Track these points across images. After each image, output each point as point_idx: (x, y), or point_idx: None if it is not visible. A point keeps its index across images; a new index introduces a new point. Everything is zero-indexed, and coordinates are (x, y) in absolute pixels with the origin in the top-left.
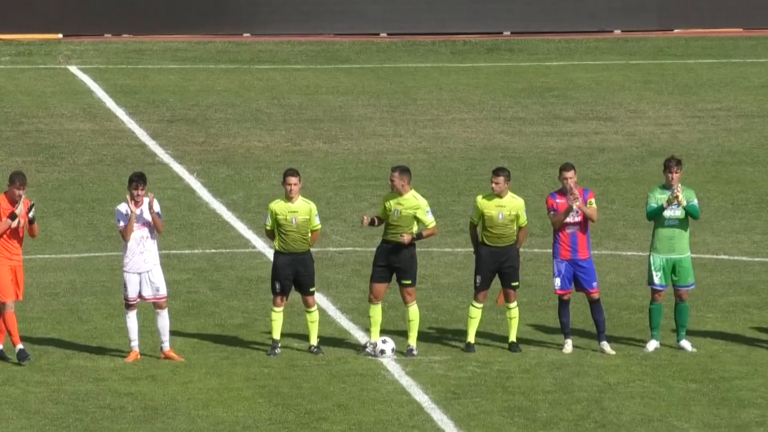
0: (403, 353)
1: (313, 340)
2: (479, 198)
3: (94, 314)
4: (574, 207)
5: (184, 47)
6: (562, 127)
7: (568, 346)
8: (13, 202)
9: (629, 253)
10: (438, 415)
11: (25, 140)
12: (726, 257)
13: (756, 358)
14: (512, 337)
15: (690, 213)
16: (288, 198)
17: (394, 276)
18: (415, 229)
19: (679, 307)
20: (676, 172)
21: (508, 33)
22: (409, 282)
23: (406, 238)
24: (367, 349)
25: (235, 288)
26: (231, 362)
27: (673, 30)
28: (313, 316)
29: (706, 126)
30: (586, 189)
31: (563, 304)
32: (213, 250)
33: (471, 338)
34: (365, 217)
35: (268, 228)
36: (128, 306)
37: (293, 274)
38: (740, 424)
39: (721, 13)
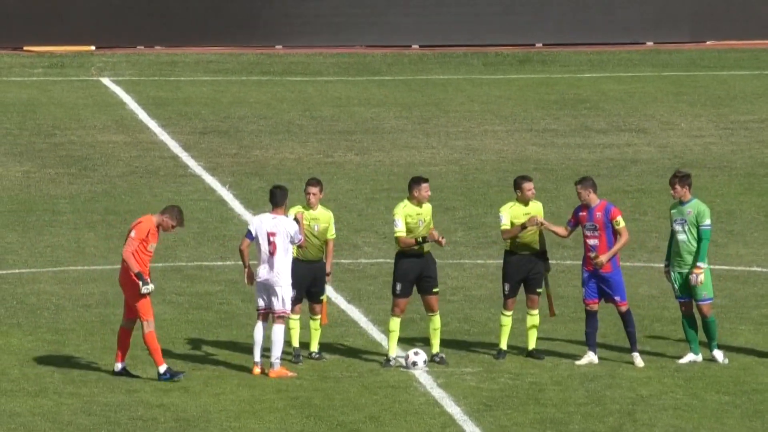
0: (434, 361)
1: (314, 347)
2: (505, 208)
3: None
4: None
5: (216, 59)
6: (595, 138)
7: (586, 357)
8: (164, 228)
9: (662, 265)
10: (470, 428)
11: (58, 152)
12: (759, 269)
13: None
14: (533, 345)
15: (699, 236)
16: (308, 206)
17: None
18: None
19: (703, 323)
20: (673, 188)
21: (541, 45)
22: (438, 290)
23: (439, 239)
24: (400, 361)
25: None
26: (263, 374)
27: (705, 42)
28: (317, 324)
29: (739, 138)
30: (610, 204)
31: (588, 315)
32: None
33: (503, 345)
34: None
35: None
36: (257, 316)
37: (310, 283)
38: None
39: (753, 25)
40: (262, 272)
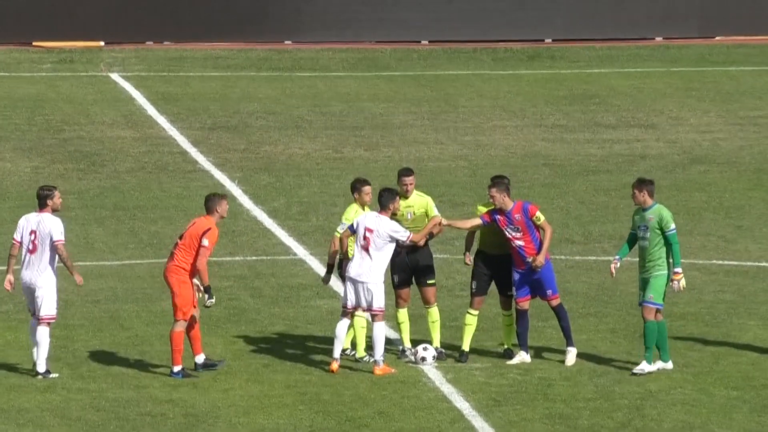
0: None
1: (437, 342)
2: (479, 207)
3: (135, 321)
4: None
5: (225, 55)
6: (604, 134)
7: (518, 357)
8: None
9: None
10: (479, 423)
11: (67, 147)
12: None
13: None
14: (508, 344)
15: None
16: (405, 196)
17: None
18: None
19: (644, 327)
20: (633, 194)
21: (550, 40)
22: (433, 282)
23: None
24: (407, 355)
25: (276, 295)
26: (272, 369)
27: (714, 37)
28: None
29: (748, 133)
30: (527, 202)
31: (519, 314)
32: (254, 258)
33: (466, 346)
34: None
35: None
36: (342, 313)
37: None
38: None
39: (762, 20)
40: (352, 268)
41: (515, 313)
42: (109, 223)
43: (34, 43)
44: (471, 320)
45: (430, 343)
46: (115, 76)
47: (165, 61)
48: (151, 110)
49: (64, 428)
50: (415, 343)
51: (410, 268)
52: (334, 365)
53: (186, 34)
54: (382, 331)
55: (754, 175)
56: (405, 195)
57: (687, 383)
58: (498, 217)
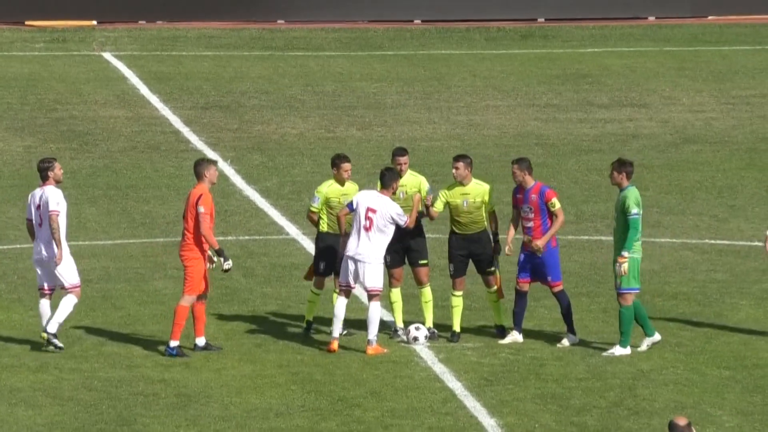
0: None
1: (429, 322)
2: (443, 190)
3: (127, 301)
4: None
5: (218, 34)
6: (596, 113)
7: (510, 336)
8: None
9: (663, 240)
10: (471, 402)
11: (59, 127)
12: (760, 244)
13: None
14: (500, 321)
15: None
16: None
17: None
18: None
19: (619, 312)
20: (611, 174)
21: (543, 20)
22: (425, 262)
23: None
24: (399, 335)
25: (268, 275)
26: (264, 349)
27: (707, 17)
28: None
29: (741, 113)
30: (546, 186)
31: (518, 294)
32: (247, 237)
33: (456, 327)
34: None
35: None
36: (340, 291)
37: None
38: None
39: (755, 0)
40: (351, 246)
41: (514, 293)
42: (102, 203)
43: (26, 23)
44: (457, 302)
45: (423, 323)
46: (107, 56)
47: (158, 41)
48: (144, 90)
49: (56, 408)
50: (407, 323)
51: (403, 248)
52: (334, 344)
53: (179, 13)
54: (377, 311)
55: (747, 155)
56: (399, 175)
57: (679, 363)
58: (518, 195)
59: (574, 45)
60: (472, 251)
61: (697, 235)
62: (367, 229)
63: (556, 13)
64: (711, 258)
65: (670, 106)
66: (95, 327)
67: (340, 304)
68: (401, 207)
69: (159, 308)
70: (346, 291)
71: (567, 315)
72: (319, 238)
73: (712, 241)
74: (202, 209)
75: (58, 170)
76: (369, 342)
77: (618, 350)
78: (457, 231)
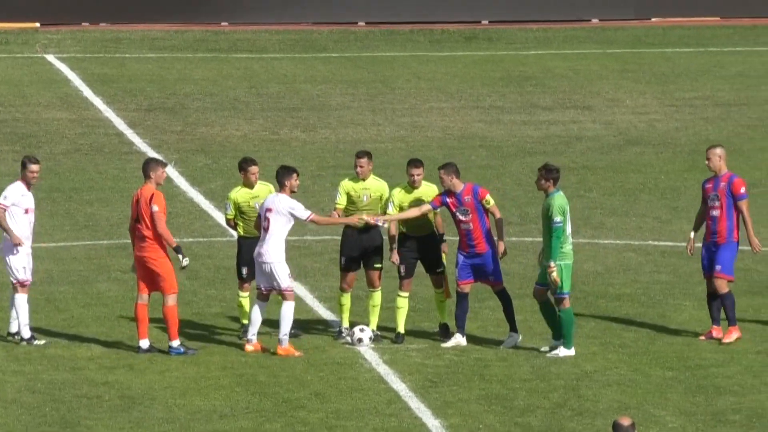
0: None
1: (373, 325)
2: (393, 191)
3: (70, 303)
4: (380, 223)
5: (161, 36)
6: (540, 116)
7: (453, 339)
8: (159, 184)
9: (606, 242)
10: (415, 404)
11: (2, 129)
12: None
13: (732, 345)
14: (444, 318)
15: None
16: (359, 178)
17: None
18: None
19: (559, 315)
20: (537, 180)
21: (486, 22)
22: (380, 266)
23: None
24: (344, 336)
25: (212, 277)
26: (208, 351)
27: (650, 19)
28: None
29: (684, 115)
30: (477, 185)
31: (459, 297)
32: (191, 239)
33: (401, 328)
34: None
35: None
36: (258, 296)
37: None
38: (716, 411)
39: (698, 2)
40: (256, 249)
41: (455, 295)
42: (45, 205)
43: None
44: (402, 303)
45: (368, 325)
46: (50, 58)
47: (101, 43)
48: (87, 92)
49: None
50: (352, 324)
51: (360, 250)
52: (248, 347)
53: (122, 15)
54: (290, 310)
55: (690, 157)
56: (359, 176)
57: (622, 363)
58: (448, 200)
59: (518, 47)
60: (423, 252)
61: (640, 237)
62: (266, 230)
63: (500, 15)
64: (654, 259)
65: (614, 108)
66: (38, 329)
67: (256, 309)
68: (366, 210)
69: (102, 310)
70: (263, 295)
71: (509, 313)
72: (238, 243)
73: (656, 243)
74: (156, 208)
75: (27, 171)
76: (279, 341)
77: (562, 351)
78: (408, 233)
